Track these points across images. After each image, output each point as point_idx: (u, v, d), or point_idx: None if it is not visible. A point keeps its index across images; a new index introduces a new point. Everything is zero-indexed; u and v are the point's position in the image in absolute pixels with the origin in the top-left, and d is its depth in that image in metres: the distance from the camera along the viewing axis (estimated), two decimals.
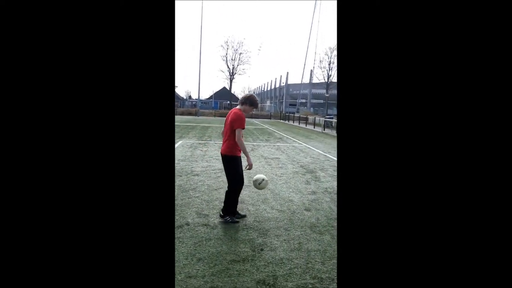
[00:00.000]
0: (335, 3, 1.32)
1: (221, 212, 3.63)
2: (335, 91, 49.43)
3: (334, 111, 49.72)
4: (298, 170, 6.77)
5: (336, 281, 2.46)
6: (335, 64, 44.79)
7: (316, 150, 10.48)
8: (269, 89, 68.83)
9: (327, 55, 45.25)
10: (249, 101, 3.52)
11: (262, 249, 2.95)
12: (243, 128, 3.38)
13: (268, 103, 61.98)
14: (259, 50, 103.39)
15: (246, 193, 4.81)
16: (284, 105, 52.99)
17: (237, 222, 3.57)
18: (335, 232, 3.44)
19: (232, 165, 3.46)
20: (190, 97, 70.62)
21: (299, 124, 27.08)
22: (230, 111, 3.56)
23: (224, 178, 5.62)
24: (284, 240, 3.19)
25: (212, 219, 3.66)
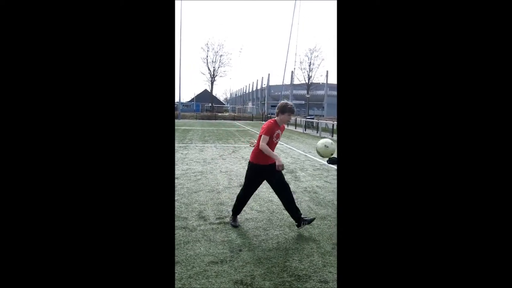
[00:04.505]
0: (314, 4, 1.33)
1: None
2: (315, 92, 50.15)
3: (315, 111, 50.26)
4: None
5: (312, 278, 2.50)
6: (315, 65, 45.46)
7: (297, 150, 10.58)
8: (250, 90, 68.97)
9: (307, 56, 45.80)
10: (279, 109, 3.49)
11: (240, 250, 2.96)
12: (266, 135, 3.32)
13: (250, 104, 62.10)
14: (240, 52, 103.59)
15: (226, 195, 4.82)
16: (266, 106, 53.21)
17: (235, 226, 3.56)
18: (312, 230, 3.50)
19: (249, 170, 3.50)
20: None
21: None
22: None
23: (204, 181, 5.62)
24: (263, 240, 3.22)
25: (191, 222, 3.65)
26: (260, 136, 3.36)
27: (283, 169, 3.28)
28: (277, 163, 3.29)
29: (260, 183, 3.53)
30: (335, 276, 2.54)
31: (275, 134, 3.41)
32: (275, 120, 3.46)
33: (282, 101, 3.60)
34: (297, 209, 3.45)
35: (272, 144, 3.44)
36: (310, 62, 45.31)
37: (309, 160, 8.48)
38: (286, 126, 3.51)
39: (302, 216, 3.46)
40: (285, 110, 3.44)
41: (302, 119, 23.25)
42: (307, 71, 45.50)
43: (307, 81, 45.25)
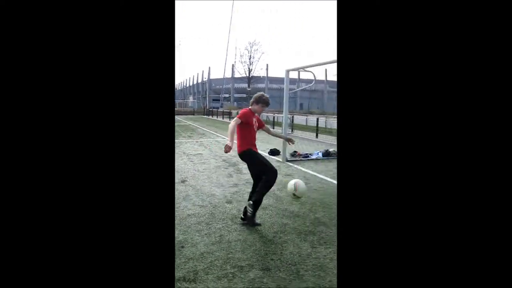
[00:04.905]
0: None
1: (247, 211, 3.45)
2: (256, 85, 50.86)
3: None
4: (221, 164, 6.82)
5: (255, 267, 2.56)
6: (255, 58, 45.99)
7: None
8: (191, 84, 67.51)
9: (247, 49, 46.18)
10: (255, 99, 3.54)
11: (182, 246, 2.91)
12: (239, 118, 3.37)
13: (191, 99, 60.79)
14: (179, 45, 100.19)
15: None
16: (208, 100, 52.57)
17: (258, 224, 3.47)
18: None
19: (248, 158, 3.42)
20: None
21: (223, 118, 27.17)
22: None
23: None
24: (205, 234, 3.20)
25: None
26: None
27: (227, 152, 3.20)
28: (228, 143, 3.23)
29: (261, 157, 3.49)
30: (277, 263, 2.63)
31: (254, 122, 3.45)
32: (250, 109, 3.51)
33: (259, 92, 3.66)
34: (258, 204, 3.49)
35: (251, 132, 3.46)
36: (250, 55, 45.73)
37: None
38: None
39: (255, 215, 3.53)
40: (259, 101, 3.51)
41: None
42: (248, 64, 45.89)
43: (247, 75, 45.63)
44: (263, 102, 3.52)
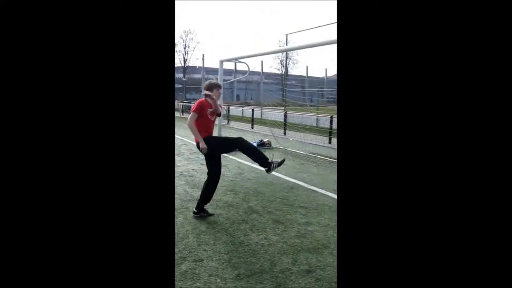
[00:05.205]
0: None
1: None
2: (192, 75, 49.78)
3: (193, 95, 49.95)
4: None
5: (187, 259, 2.56)
6: (191, 48, 44.85)
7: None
8: None
9: (182, 38, 44.79)
10: (207, 88, 3.52)
11: None
12: (195, 112, 3.36)
13: None
14: None
15: None
16: None
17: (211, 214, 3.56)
18: (188, 213, 3.55)
19: (211, 143, 3.38)
20: None
21: None
22: None
23: None
24: None
25: None
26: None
27: (205, 152, 3.37)
28: (201, 146, 3.35)
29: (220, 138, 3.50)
30: (210, 253, 2.66)
31: (208, 113, 3.43)
32: (205, 99, 3.47)
33: (206, 81, 3.67)
34: (207, 198, 3.54)
35: (209, 123, 3.46)
36: (185, 45, 44.45)
37: (186, 144, 8.46)
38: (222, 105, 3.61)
39: (205, 208, 3.57)
40: (213, 86, 3.51)
41: (180, 103, 22.79)
42: (183, 54, 44.56)
43: (182, 64, 44.35)
44: (216, 86, 3.56)
